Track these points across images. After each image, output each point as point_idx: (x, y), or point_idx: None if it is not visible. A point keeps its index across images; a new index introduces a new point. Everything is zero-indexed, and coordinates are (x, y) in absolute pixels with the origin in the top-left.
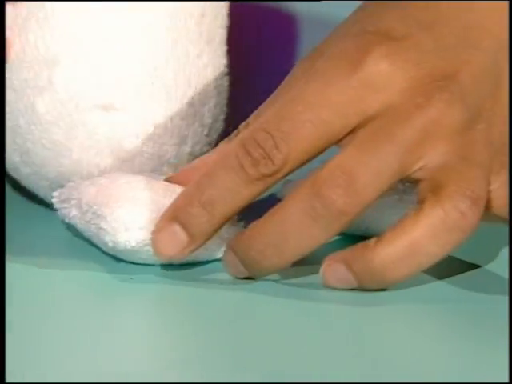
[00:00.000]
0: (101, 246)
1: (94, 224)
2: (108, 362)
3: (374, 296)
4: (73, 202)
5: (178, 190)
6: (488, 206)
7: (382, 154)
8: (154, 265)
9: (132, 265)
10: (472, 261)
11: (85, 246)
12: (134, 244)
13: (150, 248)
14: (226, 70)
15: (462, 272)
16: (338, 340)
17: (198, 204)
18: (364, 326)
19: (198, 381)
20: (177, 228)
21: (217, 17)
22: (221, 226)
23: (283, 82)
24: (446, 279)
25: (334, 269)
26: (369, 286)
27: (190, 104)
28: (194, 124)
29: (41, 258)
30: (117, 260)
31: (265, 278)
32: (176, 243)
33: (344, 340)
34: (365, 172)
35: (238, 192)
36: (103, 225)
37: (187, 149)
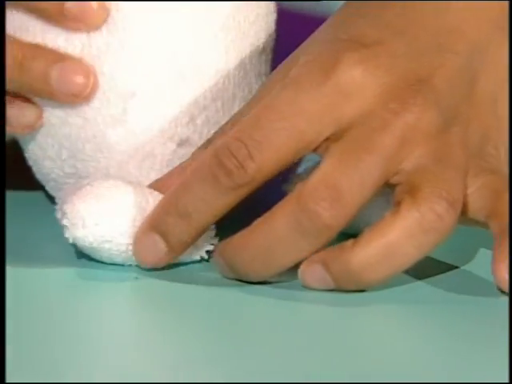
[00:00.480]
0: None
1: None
2: (110, 363)
3: (371, 296)
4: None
5: (149, 193)
6: (464, 210)
7: (363, 164)
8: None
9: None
10: (467, 260)
11: None
12: (91, 240)
13: (110, 246)
14: None
15: (460, 271)
16: (331, 340)
17: (174, 214)
18: (361, 326)
19: (201, 381)
20: (156, 237)
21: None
22: (199, 235)
23: (258, 89)
24: (444, 278)
25: (312, 269)
26: (346, 287)
27: None
28: None
29: (42, 258)
30: None
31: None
32: (156, 252)
33: (339, 340)
34: (348, 184)
35: (212, 202)
36: (65, 221)
37: None
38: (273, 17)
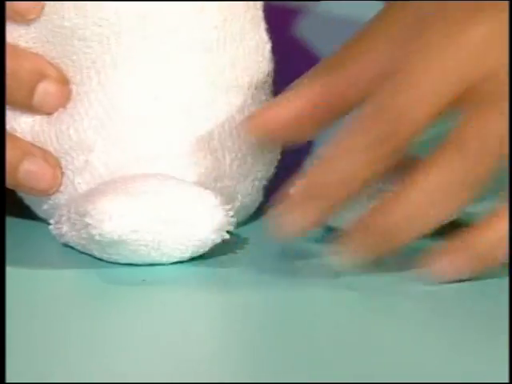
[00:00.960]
0: (94, 252)
1: (81, 227)
2: (113, 363)
3: (368, 295)
4: (63, 218)
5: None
6: None
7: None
8: (141, 264)
9: (143, 267)
10: None
11: None
12: (120, 232)
13: (137, 236)
14: None
15: None
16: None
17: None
18: (361, 326)
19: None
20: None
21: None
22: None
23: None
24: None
25: (441, 263)
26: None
27: None
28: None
29: (49, 260)
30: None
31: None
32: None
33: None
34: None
35: (362, 173)
36: (88, 220)
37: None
38: (268, 46)
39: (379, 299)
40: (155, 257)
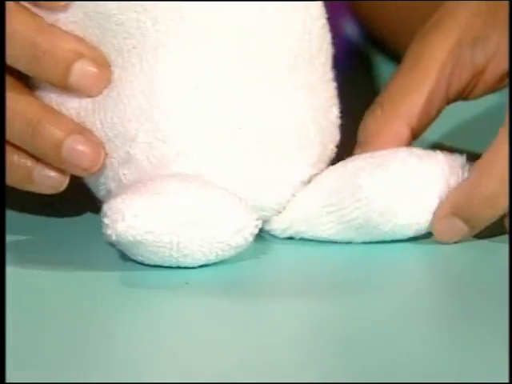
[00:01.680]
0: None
1: (105, 228)
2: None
3: (369, 293)
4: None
5: (193, 179)
6: None
7: None
8: (162, 266)
9: (185, 270)
10: (469, 258)
11: None
12: (133, 233)
13: (153, 237)
14: None
15: (460, 271)
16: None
17: (478, 202)
18: (359, 325)
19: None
20: (457, 222)
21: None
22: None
23: None
24: (444, 278)
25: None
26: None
27: None
28: None
29: (86, 263)
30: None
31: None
32: (457, 233)
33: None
34: None
35: None
36: (105, 220)
37: None
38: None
39: (376, 297)
40: (178, 258)
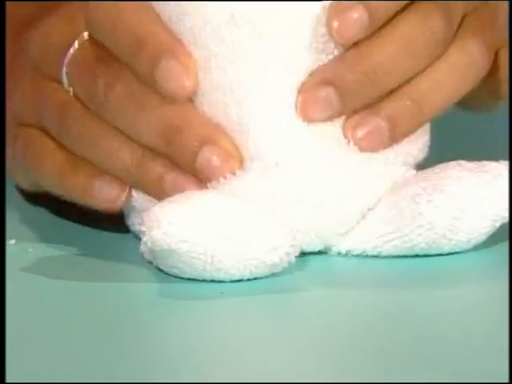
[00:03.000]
0: (159, 266)
1: (142, 236)
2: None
3: (362, 292)
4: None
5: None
6: None
7: None
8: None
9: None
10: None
11: None
12: (168, 240)
13: (188, 247)
14: None
15: (460, 271)
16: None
17: (358, 71)
18: (358, 325)
19: None
20: (330, 91)
21: None
22: (376, 100)
23: None
24: (443, 278)
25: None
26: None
27: None
28: None
29: (120, 273)
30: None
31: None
32: (327, 107)
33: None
34: None
35: (404, 65)
36: (142, 227)
37: None
38: None
39: (375, 296)
40: (212, 272)
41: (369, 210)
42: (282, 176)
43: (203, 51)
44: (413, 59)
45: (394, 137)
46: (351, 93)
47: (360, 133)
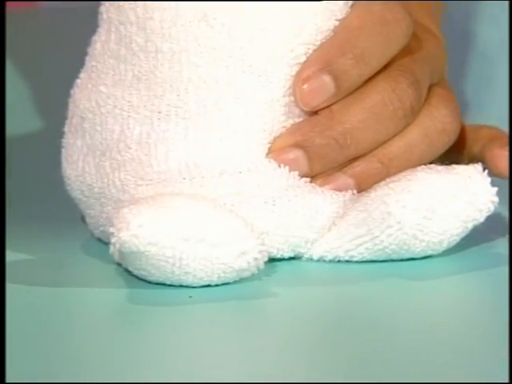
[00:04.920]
0: (127, 267)
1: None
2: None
3: (330, 295)
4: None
5: (201, 198)
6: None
7: None
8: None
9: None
10: (467, 261)
11: None
12: (136, 242)
13: (156, 250)
14: None
15: (460, 271)
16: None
17: (350, 55)
18: (327, 326)
19: None
20: (326, 78)
21: None
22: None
23: None
24: (444, 278)
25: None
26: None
27: None
28: None
29: (89, 279)
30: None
31: None
32: (323, 93)
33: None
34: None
35: (390, 48)
36: (111, 229)
37: None
38: None
39: (374, 295)
40: (180, 276)
41: (338, 215)
42: (251, 179)
43: (173, 45)
44: (382, 127)
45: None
46: (320, 156)
47: (327, 186)
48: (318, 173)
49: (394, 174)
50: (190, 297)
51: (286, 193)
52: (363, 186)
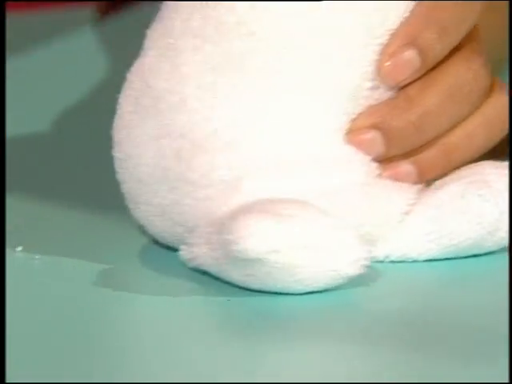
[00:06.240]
0: (228, 273)
1: (219, 245)
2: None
3: (355, 291)
4: (199, 239)
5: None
6: None
7: None
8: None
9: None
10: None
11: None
12: (258, 250)
13: (275, 258)
14: None
15: (461, 271)
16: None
17: (434, 28)
18: (355, 326)
19: None
20: (412, 53)
21: None
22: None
23: None
24: (444, 277)
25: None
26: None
27: None
28: None
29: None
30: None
31: None
32: (410, 67)
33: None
34: None
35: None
36: (230, 236)
37: None
38: None
39: (373, 300)
40: (289, 283)
41: (410, 210)
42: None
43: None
44: (457, 109)
45: (420, 182)
46: (397, 139)
47: (387, 173)
48: (393, 155)
49: (456, 163)
50: (228, 300)
51: (361, 188)
52: (426, 175)
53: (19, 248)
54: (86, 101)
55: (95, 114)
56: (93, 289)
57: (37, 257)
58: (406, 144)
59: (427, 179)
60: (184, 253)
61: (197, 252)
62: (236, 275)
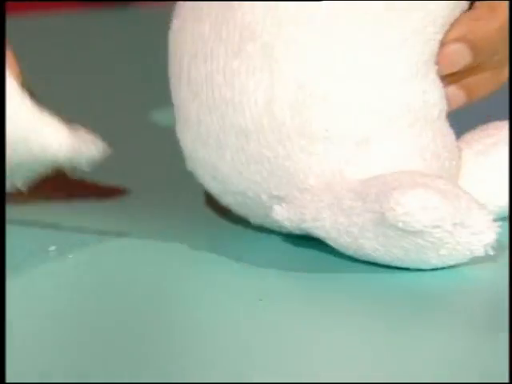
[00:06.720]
0: (370, 242)
1: (369, 215)
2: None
3: (360, 296)
4: (321, 204)
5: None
6: None
7: None
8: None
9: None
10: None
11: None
12: (424, 224)
13: (435, 231)
14: None
15: (460, 271)
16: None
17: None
18: (354, 327)
19: None
20: (463, 47)
21: None
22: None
23: None
24: (444, 278)
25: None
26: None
27: None
28: None
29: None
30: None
31: None
32: (461, 60)
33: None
34: None
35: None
36: (399, 208)
37: None
38: None
39: (374, 299)
40: (431, 258)
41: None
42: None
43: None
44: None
45: (468, 102)
46: (482, 48)
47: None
48: (478, 63)
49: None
50: (260, 300)
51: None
52: (472, 96)
53: (52, 248)
54: (87, 101)
55: (96, 113)
56: (137, 286)
57: (70, 256)
58: (491, 51)
59: (475, 99)
60: (282, 211)
61: (309, 213)
62: (371, 245)
